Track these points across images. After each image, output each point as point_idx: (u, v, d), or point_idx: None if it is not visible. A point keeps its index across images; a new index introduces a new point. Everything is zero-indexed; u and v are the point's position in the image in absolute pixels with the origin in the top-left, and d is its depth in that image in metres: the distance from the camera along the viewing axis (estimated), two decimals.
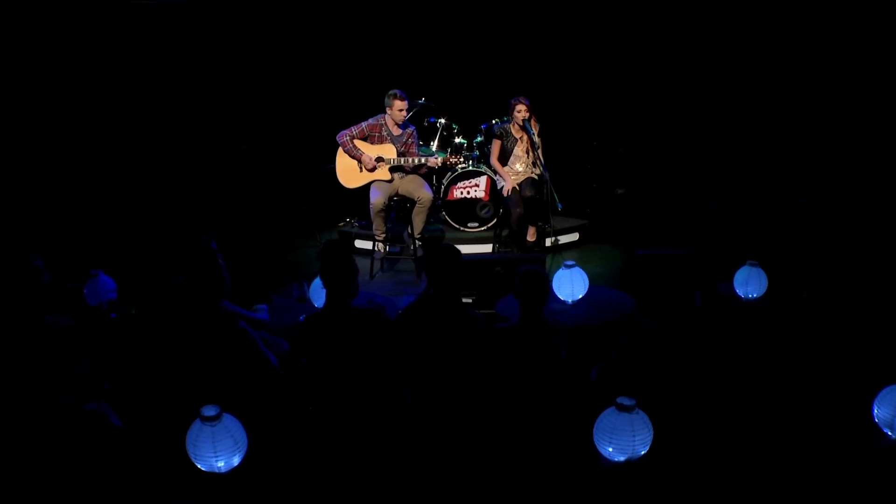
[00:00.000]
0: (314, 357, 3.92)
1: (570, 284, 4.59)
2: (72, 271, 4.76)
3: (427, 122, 7.22)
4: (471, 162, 7.04)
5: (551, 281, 4.66)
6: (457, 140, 7.20)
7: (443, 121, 7.18)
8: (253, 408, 3.83)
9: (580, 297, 4.63)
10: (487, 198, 6.90)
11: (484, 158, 7.13)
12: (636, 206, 7.57)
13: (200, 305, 3.91)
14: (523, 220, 6.28)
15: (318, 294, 4.71)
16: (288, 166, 7.58)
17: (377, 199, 6.07)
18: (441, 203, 7.00)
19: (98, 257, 5.32)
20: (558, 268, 6.60)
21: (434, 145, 7.18)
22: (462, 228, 6.98)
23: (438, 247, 4.09)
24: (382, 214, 6.17)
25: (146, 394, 3.77)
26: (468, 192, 6.93)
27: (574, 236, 7.18)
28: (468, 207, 6.93)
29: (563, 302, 4.65)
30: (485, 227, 6.97)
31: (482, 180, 6.91)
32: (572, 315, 4.58)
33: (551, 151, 6.69)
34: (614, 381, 3.97)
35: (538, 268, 4.00)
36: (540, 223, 6.62)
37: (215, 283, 3.94)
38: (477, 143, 7.16)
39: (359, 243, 7.01)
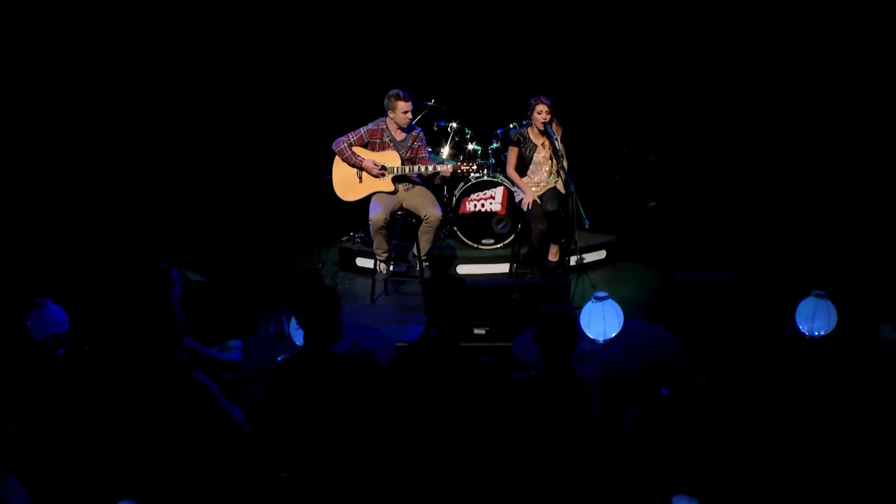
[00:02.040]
0: (288, 413, 3.17)
1: (601, 321, 3.79)
2: (14, 300, 4.03)
3: (437, 126, 6.44)
4: (486, 171, 6.26)
5: (579, 316, 3.85)
6: (470, 146, 6.42)
7: (454, 125, 6.40)
8: (211, 477, 3.08)
9: (613, 335, 3.82)
10: (504, 211, 6.13)
11: (501, 167, 6.33)
12: (670, 221, 6.79)
13: (146, 352, 3.15)
14: (545, 237, 5.47)
15: (300, 330, 3.92)
16: (284, 175, 6.82)
17: (377, 214, 5.29)
18: (452, 217, 6.21)
19: (47, 283, 4.59)
20: (583, 291, 5.98)
21: (445, 152, 6.38)
22: (476, 245, 6.21)
23: (440, 279, 3.30)
24: (384, 232, 5.38)
25: (74, 467, 3.02)
26: (482, 205, 6.15)
27: (601, 254, 6.39)
28: (482, 222, 6.16)
29: (594, 341, 3.85)
30: (501, 245, 6.19)
31: (498, 191, 6.12)
32: (605, 358, 3.77)
33: (574, 159, 5.92)
34: (656, 447, 3.17)
35: (564, 307, 3.21)
36: (563, 240, 5.79)
37: (163, 326, 3.18)
38: (493, 149, 6.38)
39: (360, 261, 6.24)
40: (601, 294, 3.83)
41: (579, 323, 3.78)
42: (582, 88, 6.97)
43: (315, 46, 7.00)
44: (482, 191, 6.13)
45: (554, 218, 5.46)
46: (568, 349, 3.14)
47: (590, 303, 3.86)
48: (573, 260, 6.07)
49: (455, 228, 6.21)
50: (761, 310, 3.56)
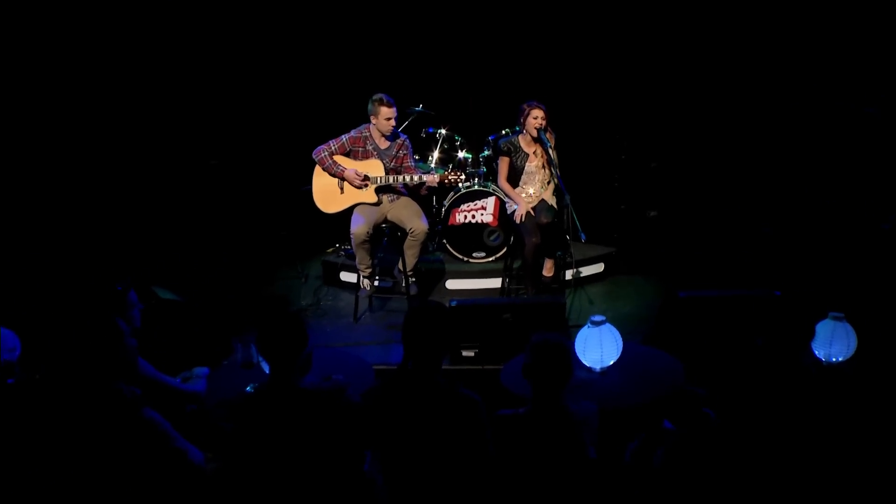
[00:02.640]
0: (252, 454, 2.89)
1: (598, 347, 3.48)
2: None
3: (425, 132, 6.14)
4: (477, 180, 5.95)
5: (574, 341, 3.55)
6: (460, 154, 6.13)
7: (443, 131, 6.10)
8: None
9: (612, 362, 3.51)
10: (496, 223, 5.83)
11: (493, 175, 6.03)
12: (672, 232, 6.49)
13: (91, 387, 2.85)
14: (539, 251, 5.16)
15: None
16: (265, 184, 6.50)
17: (359, 227, 4.98)
18: (441, 229, 5.91)
19: None
20: (580, 307, 5.68)
21: (433, 160, 6.08)
22: (466, 259, 5.91)
23: (417, 306, 3.00)
24: (367, 246, 5.08)
25: None
26: (473, 216, 5.85)
27: (598, 267, 6.09)
28: (473, 234, 5.87)
29: (590, 369, 3.54)
30: (493, 258, 5.89)
31: (490, 202, 5.82)
32: (602, 388, 3.46)
33: (570, 167, 5.63)
34: (660, 492, 2.88)
35: (557, 337, 2.91)
36: (559, 252, 5.49)
37: (110, 359, 2.87)
38: (484, 157, 6.09)
39: (345, 276, 5.94)
40: (598, 318, 3.52)
41: (574, 352, 3.48)
42: (578, 91, 6.68)
43: (297, 48, 6.69)
44: (473, 201, 5.83)
45: (548, 231, 5.15)
46: (561, 385, 2.84)
47: (585, 328, 3.55)
48: (569, 274, 5.79)
49: (444, 241, 5.91)
50: (775, 332, 3.26)
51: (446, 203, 5.85)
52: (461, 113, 6.59)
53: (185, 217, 6.28)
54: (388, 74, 6.46)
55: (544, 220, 5.13)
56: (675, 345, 4.26)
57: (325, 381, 3.04)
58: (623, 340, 3.63)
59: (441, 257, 6.00)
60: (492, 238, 5.87)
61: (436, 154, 6.09)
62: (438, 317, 2.93)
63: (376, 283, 5.73)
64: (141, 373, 3.38)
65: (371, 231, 5.04)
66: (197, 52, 6.40)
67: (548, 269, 5.48)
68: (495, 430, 2.90)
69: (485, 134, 6.14)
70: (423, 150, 6.16)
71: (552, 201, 5.29)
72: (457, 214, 5.85)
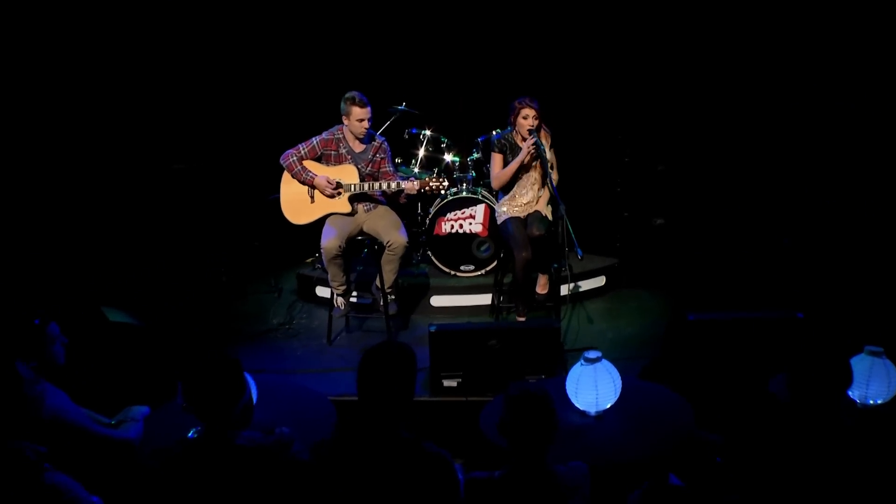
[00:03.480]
0: None
1: (592, 388, 3.04)
2: None
3: (408, 133, 5.69)
4: (465, 185, 5.51)
5: (566, 380, 3.11)
6: (447, 157, 5.67)
7: (428, 132, 5.64)
8: None
9: (609, 405, 3.07)
10: (486, 233, 5.39)
11: (483, 180, 5.61)
12: (680, 242, 6.02)
13: None
14: (530, 266, 4.70)
15: None
16: (236, 189, 6.04)
17: (330, 241, 4.55)
18: (425, 239, 5.47)
19: None
20: (578, 327, 5.24)
21: (416, 164, 5.63)
22: (453, 273, 5.47)
23: (373, 348, 2.57)
24: (339, 261, 4.65)
25: None
26: (461, 226, 5.42)
27: (599, 281, 5.68)
28: (461, 245, 5.45)
29: (584, 413, 3.09)
30: (483, 272, 5.45)
31: (479, 210, 5.39)
32: (597, 437, 3.02)
33: (567, 170, 5.19)
34: None
35: (539, 389, 2.46)
36: (555, 265, 5.03)
37: (6, 412, 2.45)
38: (473, 160, 5.63)
39: (321, 291, 5.52)
40: (592, 354, 3.08)
41: (570, 397, 3.05)
42: (577, 86, 6.21)
43: (269, 40, 6.21)
44: (460, 209, 5.40)
45: (541, 244, 4.70)
46: (543, 445, 2.40)
47: (578, 365, 3.11)
48: (566, 289, 5.36)
49: (429, 253, 5.48)
50: (799, 367, 2.82)
51: (431, 211, 5.42)
52: (449, 112, 6.18)
53: (145, 226, 5.82)
54: (369, 70, 6.01)
55: (536, 232, 4.67)
56: (684, 378, 3.84)
57: (268, 435, 2.61)
58: (623, 376, 3.20)
59: (426, 270, 5.57)
60: (481, 250, 5.44)
61: (419, 157, 5.63)
62: (398, 361, 2.50)
63: (354, 299, 5.32)
64: (61, 419, 2.96)
65: (344, 245, 4.60)
66: (157, 43, 5.92)
67: (542, 286, 5.03)
68: (467, 496, 2.48)
69: (475, 135, 5.69)
70: (405, 153, 5.71)
71: (546, 211, 4.83)
72: (442, 223, 5.42)
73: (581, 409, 3.08)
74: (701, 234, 6.03)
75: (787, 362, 3.71)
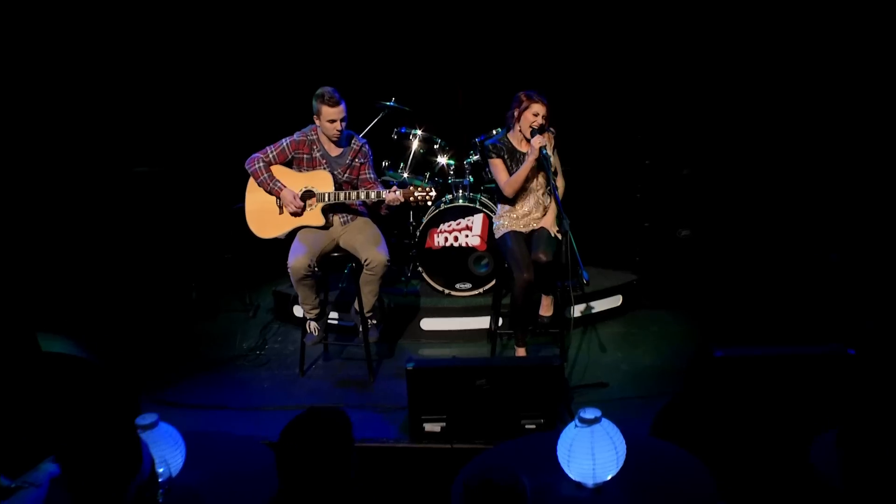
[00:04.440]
0: None
1: (589, 456, 2.48)
2: None
3: (397, 132, 5.15)
4: (461, 192, 4.99)
5: (557, 443, 2.57)
6: (440, 160, 5.13)
7: (419, 132, 5.10)
8: None
9: (611, 476, 2.52)
10: (485, 247, 4.87)
11: (484, 185, 5.08)
12: (708, 256, 5.47)
13: None
14: (532, 289, 4.14)
15: None
16: (206, 195, 5.54)
17: (298, 259, 4.04)
18: (416, 254, 4.95)
19: None
20: (588, 357, 4.73)
21: (405, 168, 5.09)
22: (447, 291, 4.95)
23: (297, 419, 2.07)
24: (309, 282, 4.14)
25: None
26: (456, 238, 4.91)
27: (615, 300, 5.17)
28: (456, 260, 4.95)
29: (581, 485, 2.54)
30: (481, 291, 4.93)
31: (477, 220, 4.89)
32: None
33: (576, 174, 4.70)
34: None
35: (505, 478, 1.92)
36: (566, 282, 4.47)
37: None
38: (470, 164, 5.09)
39: (299, 311, 4.92)
40: (589, 414, 2.52)
41: (561, 466, 2.50)
42: (592, 78, 5.67)
43: (239, 27, 5.68)
44: (455, 219, 4.90)
45: (546, 268, 4.14)
46: None
47: (571, 427, 2.55)
48: (577, 311, 4.83)
49: (420, 268, 4.95)
50: (851, 419, 2.28)
51: (424, 219, 4.91)
52: (447, 107, 5.66)
53: (102, 236, 5.32)
54: (353, 59, 5.57)
55: (543, 258, 4.09)
56: (707, 428, 3.29)
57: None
58: (631, 432, 2.65)
59: (417, 288, 5.06)
60: (479, 266, 4.91)
61: (409, 160, 5.09)
62: (330, 435, 1.99)
63: (334, 321, 4.83)
64: None
65: (314, 264, 4.09)
66: (114, 33, 5.44)
67: (545, 308, 4.47)
68: None
69: (475, 133, 5.13)
70: (394, 155, 5.17)
71: (554, 230, 4.26)
72: (435, 236, 4.90)
73: (575, 480, 2.54)
74: (733, 248, 5.49)
75: (835, 415, 3.15)
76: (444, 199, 4.98)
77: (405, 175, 5.03)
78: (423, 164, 5.10)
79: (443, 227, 4.89)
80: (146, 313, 5.12)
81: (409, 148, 5.08)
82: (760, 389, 3.42)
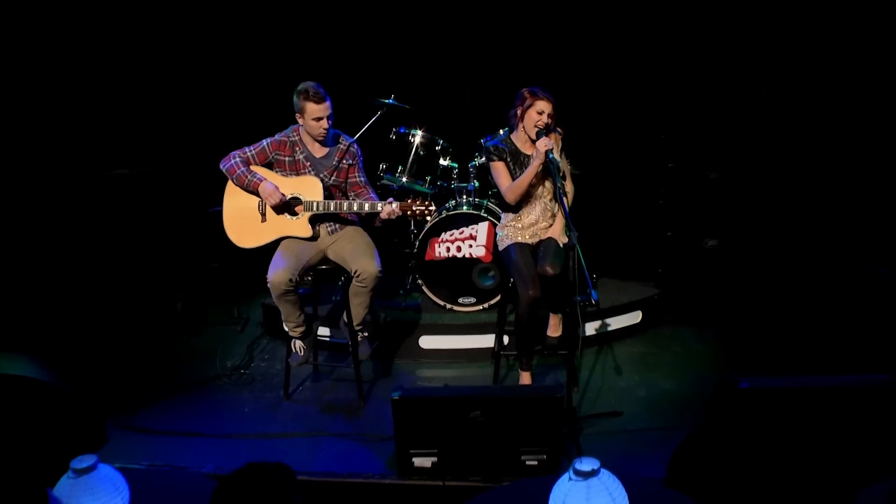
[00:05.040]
0: None
1: None
2: None
3: (396, 133, 4.82)
4: (465, 198, 4.67)
5: (549, 499, 2.24)
6: (442, 162, 4.80)
7: (420, 133, 4.77)
8: None
9: None
10: (490, 258, 4.55)
11: (491, 191, 4.76)
12: (737, 268, 5.09)
13: None
14: (537, 306, 3.80)
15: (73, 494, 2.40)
16: (190, 199, 5.23)
17: (279, 274, 3.74)
18: (415, 265, 4.64)
19: None
20: (601, 382, 4.36)
21: (404, 172, 4.76)
22: (449, 307, 4.63)
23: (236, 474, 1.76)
24: (291, 297, 3.84)
25: None
26: (459, 249, 4.60)
27: (634, 317, 4.82)
28: (459, 273, 4.62)
29: None
30: (486, 306, 4.60)
31: (481, 229, 4.57)
32: None
33: (591, 178, 4.31)
34: None
35: None
36: (579, 298, 4.11)
37: None
38: (475, 167, 4.76)
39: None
40: (585, 465, 2.17)
41: None
42: (609, 72, 5.31)
43: (236, 24, 5.42)
44: (458, 228, 4.57)
45: (554, 281, 3.79)
46: None
47: (565, 479, 2.21)
48: (591, 328, 4.50)
49: (419, 281, 4.64)
50: None
51: (424, 228, 4.59)
52: (453, 107, 5.34)
53: (79, 243, 5.08)
54: (345, 55, 5.29)
55: (551, 270, 3.74)
56: (730, 472, 2.94)
57: None
58: (637, 482, 2.33)
59: (418, 302, 4.75)
60: (484, 279, 4.59)
61: (408, 164, 4.76)
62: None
63: (327, 338, 4.54)
64: None
65: (297, 278, 3.79)
66: (89, 28, 5.19)
67: (553, 328, 4.13)
68: None
69: (483, 133, 4.80)
70: (392, 157, 4.84)
71: (563, 240, 3.90)
72: (436, 246, 4.59)
73: None
74: (765, 261, 5.11)
75: (885, 462, 2.80)
76: (446, 205, 4.67)
77: (404, 179, 4.71)
78: (424, 168, 4.77)
79: (445, 236, 4.57)
80: (126, 327, 4.88)
81: (408, 150, 4.75)
82: (793, 427, 3.05)
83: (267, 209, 3.91)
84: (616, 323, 4.68)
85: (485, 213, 4.53)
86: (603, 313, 4.62)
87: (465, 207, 4.59)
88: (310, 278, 3.95)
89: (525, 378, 3.93)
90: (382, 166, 4.78)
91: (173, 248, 5.19)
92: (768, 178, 5.16)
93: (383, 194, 4.61)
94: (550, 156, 3.72)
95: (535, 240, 3.96)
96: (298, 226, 3.90)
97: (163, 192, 5.17)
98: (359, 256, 3.85)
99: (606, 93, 5.28)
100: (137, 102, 5.29)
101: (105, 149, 5.18)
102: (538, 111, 3.84)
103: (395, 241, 5.04)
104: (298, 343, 4.07)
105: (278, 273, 3.73)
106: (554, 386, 3.91)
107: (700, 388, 4.04)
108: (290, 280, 3.74)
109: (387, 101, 4.84)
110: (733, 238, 5.18)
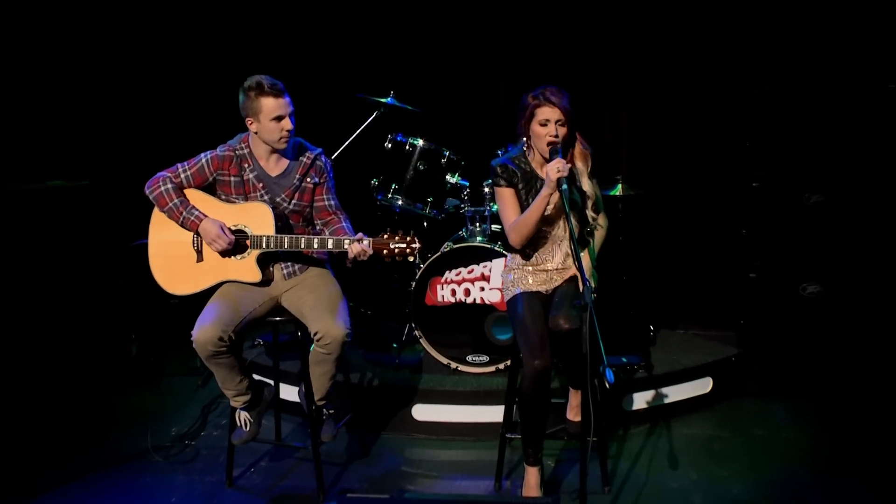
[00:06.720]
0: None
1: None
2: None
3: (393, 140, 4.00)
4: (477, 226, 3.85)
5: None
6: (449, 180, 3.96)
7: (421, 142, 3.94)
8: None
9: None
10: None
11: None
12: (846, 321, 4.13)
13: None
14: (547, 380, 2.90)
15: None
16: (145, 215, 4.66)
17: (205, 330, 2.95)
18: (411, 311, 3.82)
19: None
20: (645, 479, 3.28)
21: (400, 191, 3.94)
22: (455, 366, 3.80)
23: None
24: (225, 360, 3.07)
25: None
26: (467, 292, 3.78)
27: (702, 385, 3.91)
28: (468, 322, 3.80)
29: None
30: (501, 367, 3.77)
31: (496, 267, 3.74)
32: None
33: (644, 204, 3.59)
34: None
35: None
36: (625, 359, 3.19)
37: None
38: (491, 186, 3.91)
39: (258, 378, 3.94)
40: None
41: None
42: (677, 68, 4.56)
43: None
44: (467, 265, 3.74)
45: (571, 341, 2.87)
46: None
47: None
48: (642, 400, 3.66)
49: (417, 332, 3.82)
50: None
51: (422, 266, 3.78)
52: (484, 107, 4.54)
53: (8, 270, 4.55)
54: (335, 41, 4.72)
55: (565, 325, 2.85)
56: None
57: None
58: None
59: (416, 358, 3.96)
60: (500, 332, 3.75)
61: (406, 181, 3.94)
62: None
63: (295, 397, 3.78)
64: None
65: (233, 335, 3.02)
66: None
67: (573, 410, 3.21)
68: None
69: (491, 147, 3.91)
70: (387, 172, 4.03)
71: (590, 282, 2.99)
72: (438, 288, 3.77)
73: None
74: (883, 313, 4.08)
75: None
76: (456, 235, 3.86)
77: (399, 200, 3.90)
78: (426, 186, 3.93)
79: (449, 275, 3.76)
80: (61, 375, 4.26)
81: (406, 163, 3.93)
82: None
83: (204, 245, 3.16)
84: (675, 393, 3.78)
85: (501, 247, 3.69)
86: (657, 380, 3.70)
87: (477, 239, 3.76)
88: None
89: (531, 476, 3.02)
90: (374, 183, 3.98)
91: (128, 280, 4.54)
92: (887, 202, 4.12)
93: (382, 219, 3.85)
94: (564, 187, 2.79)
95: (548, 286, 3.08)
96: (244, 267, 3.12)
97: (111, 209, 4.54)
98: (321, 314, 3.03)
99: (675, 90, 4.50)
100: (76, 103, 4.74)
101: (37, 157, 4.60)
102: (540, 121, 2.93)
103: (395, 276, 4.27)
104: (244, 415, 3.27)
105: (205, 329, 2.94)
106: (549, 499, 2.91)
107: (793, 491, 3.12)
108: (222, 339, 2.95)
109: (385, 100, 4.06)
110: (841, 283, 4.18)
